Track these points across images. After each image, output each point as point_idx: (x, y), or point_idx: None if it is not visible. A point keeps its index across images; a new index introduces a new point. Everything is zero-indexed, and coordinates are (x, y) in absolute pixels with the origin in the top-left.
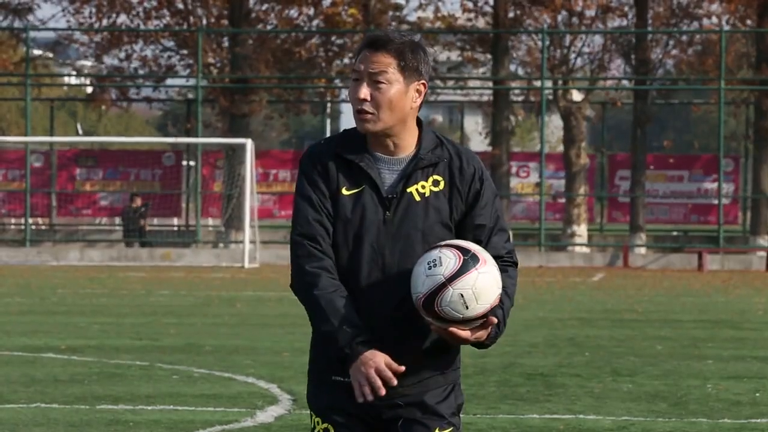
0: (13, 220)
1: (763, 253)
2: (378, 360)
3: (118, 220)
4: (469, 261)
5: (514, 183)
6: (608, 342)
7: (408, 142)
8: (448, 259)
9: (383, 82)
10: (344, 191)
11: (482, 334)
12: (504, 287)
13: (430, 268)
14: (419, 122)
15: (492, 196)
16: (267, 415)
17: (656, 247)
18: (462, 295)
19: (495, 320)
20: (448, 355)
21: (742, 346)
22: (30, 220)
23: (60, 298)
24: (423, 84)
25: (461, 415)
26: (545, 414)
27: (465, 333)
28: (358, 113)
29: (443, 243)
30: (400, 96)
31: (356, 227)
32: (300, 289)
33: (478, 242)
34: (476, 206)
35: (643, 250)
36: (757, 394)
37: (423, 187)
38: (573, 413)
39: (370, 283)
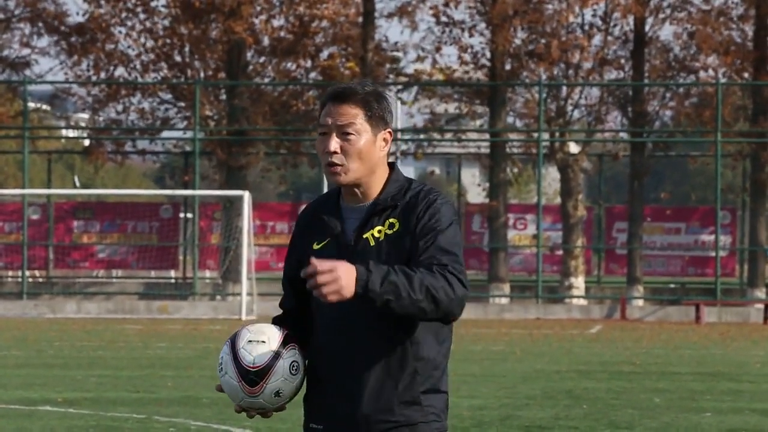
0: (10, 273)
1: (760, 306)
2: None
3: (115, 272)
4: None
5: (512, 235)
6: (606, 394)
7: (375, 190)
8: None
9: (352, 134)
10: (315, 246)
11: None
12: (411, 269)
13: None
14: (392, 170)
15: (435, 221)
16: None
17: (654, 299)
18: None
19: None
20: (418, 406)
21: (739, 399)
22: (27, 273)
23: (57, 351)
24: (389, 132)
25: None
26: None
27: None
28: (328, 166)
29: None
30: (369, 146)
31: None
32: None
33: (418, 263)
34: (414, 232)
35: (640, 303)
36: None
37: (379, 231)
38: None
39: (333, 330)
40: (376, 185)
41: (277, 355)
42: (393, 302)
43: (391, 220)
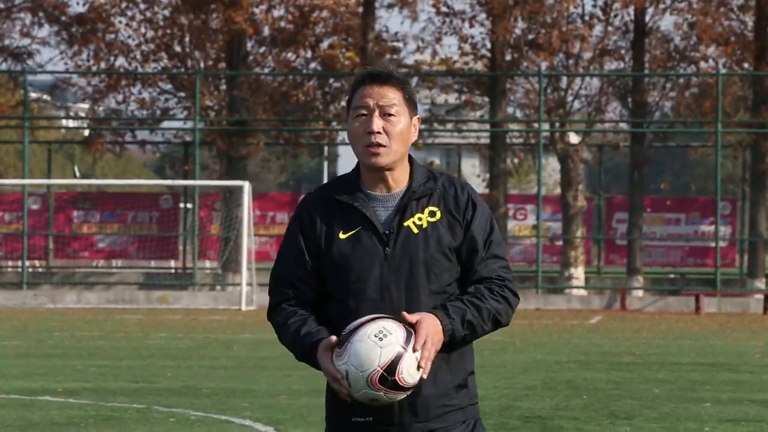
0: (10, 263)
1: (760, 296)
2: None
3: (115, 262)
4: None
5: (512, 225)
6: (606, 385)
7: (402, 178)
8: (395, 329)
9: (394, 115)
10: (341, 235)
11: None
12: (477, 296)
13: (381, 339)
14: (410, 158)
15: (485, 222)
16: None
17: (653, 289)
18: (417, 359)
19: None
20: (466, 389)
21: (739, 389)
22: (27, 263)
23: (57, 341)
24: (419, 118)
25: None
26: None
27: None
28: (369, 147)
29: (373, 317)
30: (407, 128)
31: (358, 267)
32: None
33: (470, 268)
34: (468, 233)
35: (640, 293)
36: None
37: (420, 219)
38: None
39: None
40: (404, 171)
41: (417, 386)
42: (468, 336)
43: (431, 208)
